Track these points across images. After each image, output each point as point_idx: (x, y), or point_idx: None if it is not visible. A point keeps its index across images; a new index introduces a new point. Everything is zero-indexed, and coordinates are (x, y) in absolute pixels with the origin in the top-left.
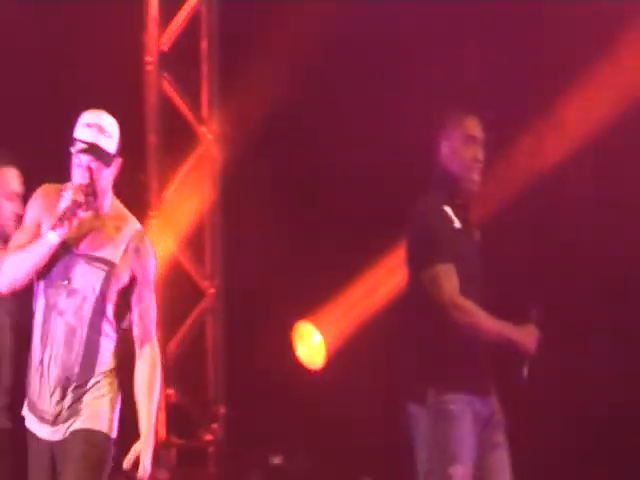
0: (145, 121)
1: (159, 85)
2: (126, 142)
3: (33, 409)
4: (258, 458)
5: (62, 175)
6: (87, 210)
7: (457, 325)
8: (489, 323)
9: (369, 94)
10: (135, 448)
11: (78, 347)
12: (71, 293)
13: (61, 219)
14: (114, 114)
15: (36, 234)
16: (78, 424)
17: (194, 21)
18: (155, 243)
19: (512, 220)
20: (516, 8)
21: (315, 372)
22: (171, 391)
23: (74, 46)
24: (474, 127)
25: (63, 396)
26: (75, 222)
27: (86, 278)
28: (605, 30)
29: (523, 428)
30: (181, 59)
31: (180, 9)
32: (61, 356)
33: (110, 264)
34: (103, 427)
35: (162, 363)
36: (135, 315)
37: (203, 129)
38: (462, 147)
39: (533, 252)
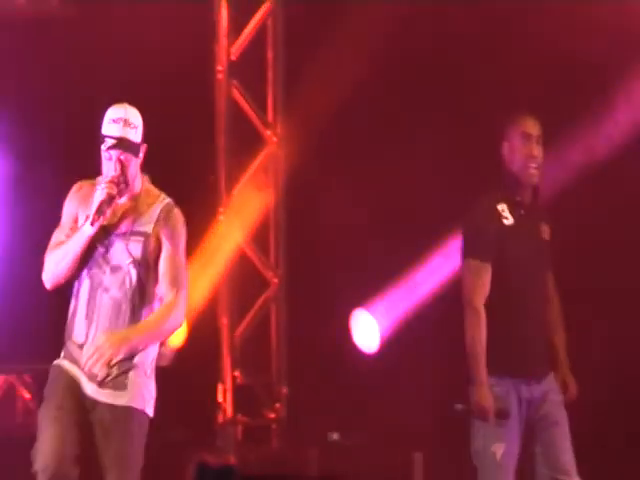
0: (215, 125)
1: (228, 92)
2: (197, 144)
3: (82, 369)
4: (317, 434)
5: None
6: (120, 197)
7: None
8: (477, 346)
9: (432, 95)
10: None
11: (123, 318)
12: (114, 269)
13: (97, 213)
14: (187, 118)
15: (74, 229)
16: (124, 400)
17: (261, 33)
18: (224, 237)
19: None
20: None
21: (370, 356)
22: (237, 373)
23: (150, 53)
24: (530, 125)
25: (110, 366)
26: (109, 212)
27: (126, 253)
28: None
29: None
30: (249, 67)
31: (248, 22)
32: (108, 328)
33: (145, 235)
34: (146, 408)
35: (230, 347)
36: (160, 274)
37: (268, 132)
38: (519, 145)
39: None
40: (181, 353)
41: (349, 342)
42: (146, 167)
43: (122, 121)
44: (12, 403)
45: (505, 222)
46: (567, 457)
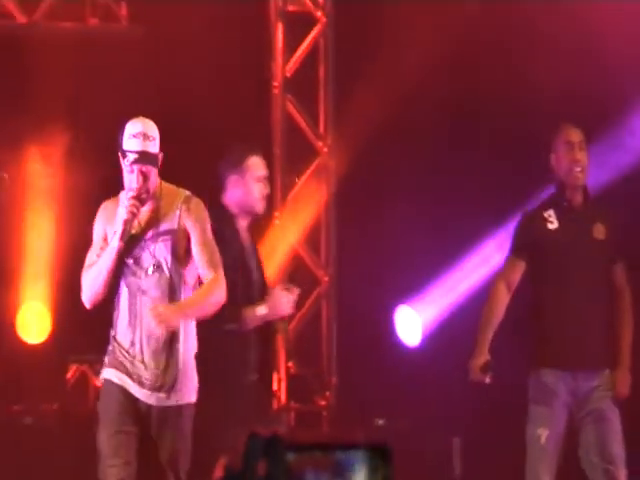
0: (271, 136)
1: (283, 106)
2: None
3: (130, 376)
4: (364, 420)
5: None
6: (143, 206)
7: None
8: (482, 318)
9: (480, 106)
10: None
11: None
12: (148, 273)
13: (123, 233)
14: (246, 130)
15: (104, 248)
16: (174, 400)
17: (313, 51)
18: (280, 239)
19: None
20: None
21: (413, 348)
22: (291, 364)
23: (212, 70)
24: (572, 133)
25: (158, 366)
26: (136, 222)
27: (158, 254)
28: None
29: None
30: (302, 83)
31: (301, 42)
32: (149, 332)
33: (172, 232)
34: (192, 398)
35: (284, 340)
36: (196, 260)
37: (320, 143)
38: (563, 153)
39: None
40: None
41: (393, 336)
42: (209, 174)
43: (142, 135)
44: (85, 390)
45: (549, 226)
46: (617, 450)
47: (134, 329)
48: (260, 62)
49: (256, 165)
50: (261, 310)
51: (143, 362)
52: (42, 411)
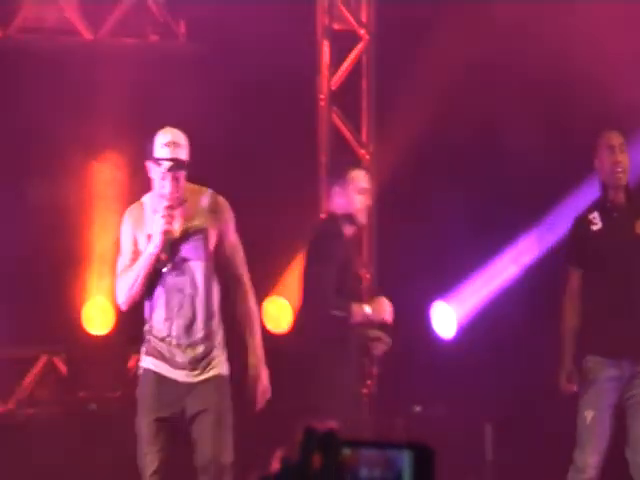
0: (317, 145)
1: (329, 116)
2: (302, 161)
3: (167, 361)
4: (403, 407)
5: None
6: (175, 210)
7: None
8: (562, 337)
9: (518, 109)
10: (251, 379)
11: (200, 310)
12: (183, 271)
13: (163, 243)
14: (294, 139)
15: (135, 252)
16: (213, 372)
17: (357, 66)
18: None
19: None
20: None
21: (447, 341)
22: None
23: (262, 84)
24: (612, 137)
25: (194, 349)
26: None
27: (191, 251)
28: None
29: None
30: (346, 96)
31: (346, 57)
32: (186, 324)
33: (202, 230)
34: (226, 372)
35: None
36: (228, 258)
37: (363, 151)
38: (605, 157)
39: None
40: (287, 338)
41: (430, 329)
42: (262, 180)
43: (172, 144)
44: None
45: (593, 228)
46: None
47: (171, 323)
48: (308, 77)
49: (358, 178)
50: (367, 308)
51: (179, 346)
52: (106, 398)
